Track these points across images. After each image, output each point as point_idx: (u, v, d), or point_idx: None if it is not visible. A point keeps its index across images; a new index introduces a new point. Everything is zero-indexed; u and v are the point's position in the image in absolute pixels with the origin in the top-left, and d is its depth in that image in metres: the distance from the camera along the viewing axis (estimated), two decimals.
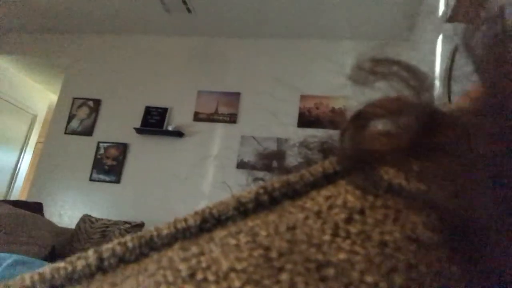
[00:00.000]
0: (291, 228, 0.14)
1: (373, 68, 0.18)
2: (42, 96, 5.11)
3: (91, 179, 3.56)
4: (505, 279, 0.13)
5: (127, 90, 3.80)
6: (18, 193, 4.76)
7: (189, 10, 3.47)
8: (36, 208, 3.03)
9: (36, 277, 0.16)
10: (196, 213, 0.16)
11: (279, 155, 0.25)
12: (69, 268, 0.16)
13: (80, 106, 3.84)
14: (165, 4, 3.41)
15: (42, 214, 3.07)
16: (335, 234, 0.14)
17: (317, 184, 0.16)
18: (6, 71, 4.46)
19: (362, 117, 0.17)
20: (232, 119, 3.53)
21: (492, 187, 0.13)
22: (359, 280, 0.12)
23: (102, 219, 3.03)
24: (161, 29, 3.86)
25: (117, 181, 3.51)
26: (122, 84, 3.83)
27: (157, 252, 0.16)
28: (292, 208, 0.16)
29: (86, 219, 3.00)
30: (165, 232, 0.16)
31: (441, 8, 2.21)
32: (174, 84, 3.73)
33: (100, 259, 0.16)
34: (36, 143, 5.09)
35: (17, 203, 2.91)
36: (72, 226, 3.07)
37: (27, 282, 0.16)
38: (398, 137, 0.16)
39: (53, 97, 4.69)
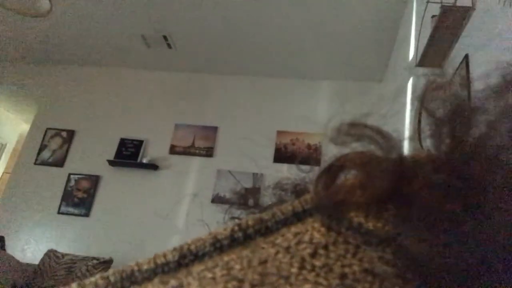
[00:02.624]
0: (263, 262, 0.16)
1: (348, 131, 0.20)
2: (13, 125, 4.97)
3: (59, 212, 3.42)
4: None
5: (102, 121, 3.75)
6: None
7: (169, 46, 3.53)
8: None
9: None
10: (174, 249, 0.17)
11: (255, 192, 0.27)
12: None
13: (52, 137, 3.76)
14: (146, 39, 3.47)
15: (4, 249, 2.90)
16: (301, 267, 0.15)
17: (287, 221, 0.18)
18: None
19: (333, 169, 0.19)
20: (208, 153, 3.52)
21: (437, 232, 0.15)
22: None
23: (68, 254, 2.89)
24: (141, 63, 3.89)
25: (87, 214, 3.39)
26: (98, 116, 3.79)
27: (137, 286, 0.16)
28: (264, 244, 0.17)
29: (51, 255, 2.85)
30: (145, 267, 0.17)
31: (411, 52, 2.34)
32: (151, 117, 3.72)
33: None
34: (3, 173, 4.89)
35: None
36: (36, 261, 2.91)
37: None
38: (363, 188, 0.18)
39: (25, 127, 4.57)
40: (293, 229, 0.18)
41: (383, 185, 0.17)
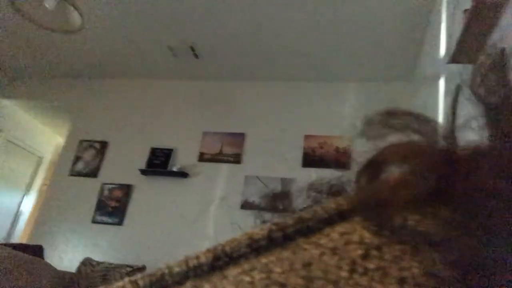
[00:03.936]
0: (307, 265, 0.14)
1: (385, 121, 0.18)
2: (49, 138, 5.18)
3: (93, 221, 3.51)
4: None
5: (133, 132, 3.84)
6: (19, 235, 4.70)
7: (196, 56, 3.58)
8: (36, 251, 2.97)
9: None
10: (208, 250, 0.16)
11: (285, 195, 0.26)
12: None
13: (86, 148, 3.88)
14: (173, 50, 3.53)
15: (43, 257, 3.00)
16: (352, 270, 0.14)
17: (330, 220, 0.16)
18: (15, 114, 4.56)
19: (375, 164, 0.17)
20: (236, 159, 3.53)
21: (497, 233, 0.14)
22: None
23: (103, 262, 2.95)
24: (168, 74, 3.97)
25: (120, 223, 3.47)
26: (129, 126, 3.89)
27: None
28: (306, 245, 0.15)
29: (87, 263, 2.93)
30: (176, 270, 0.16)
31: (442, 49, 2.26)
32: (179, 126, 3.78)
33: None
34: (41, 185, 5.09)
35: (17, 246, 2.86)
36: (73, 269, 2.99)
37: None
38: (411, 184, 0.16)
39: (60, 140, 4.75)
40: (339, 228, 0.16)
41: (432, 181, 0.15)
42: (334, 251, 0.15)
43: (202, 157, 3.60)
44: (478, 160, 0.16)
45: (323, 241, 0.15)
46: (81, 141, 3.91)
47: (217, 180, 3.48)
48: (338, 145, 3.34)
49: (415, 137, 0.17)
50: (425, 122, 0.18)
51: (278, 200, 0.25)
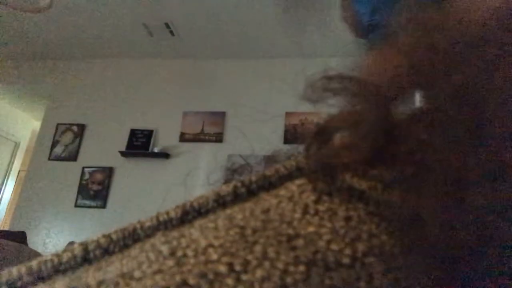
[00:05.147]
0: (265, 211, 0.16)
1: (326, 86, 0.19)
2: (25, 123, 5.04)
3: (76, 205, 3.48)
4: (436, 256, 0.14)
5: (112, 113, 3.78)
6: (0, 223, 4.63)
7: (172, 33, 3.50)
8: (19, 237, 2.94)
9: (23, 269, 0.16)
10: (177, 206, 0.17)
11: (244, 169, 0.26)
12: (56, 260, 0.16)
13: (64, 132, 3.80)
14: (148, 28, 3.44)
15: (26, 243, 2.97)
16: (305, 212, 0.15)
17: (291, 176, 0.18)
18: None
19: (324, 132, 0.19)
20: (218, 138, 3.52)
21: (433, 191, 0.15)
22: (326, 248, 0.14)
23: None
24: (145, 53, 3.88)
25: (103, 206, 3.45)
26: (107, 108, 3.81)
27: (140, 243, 0.17)
28: (267, 196, 0.17)
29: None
30: (147, 224, 0.17)
31: None
32: (159, 106, 3.73)
33: (86, 251, 0.17)
34: (19, 171, 4.99)
35: None
36: None
37: (14, 273, 0.16)
38: (355, 150, 0.17)
39: (37, 124, 4.62)
40: (297, 181, 0.17)
41: (369, 146, 0.17)
42: (290, 198, 0.16)
43: (183, 137, 3.58)
44: (411, 127, 0.17)
45: (282, 192, 0.17)
46: (58, 125, 3.82)
47: (200, 160, 3.47)
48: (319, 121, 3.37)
49: (354, 100, 0.18)
50: (364, 86, 0.19)
51: (237, 174, 0.26)
